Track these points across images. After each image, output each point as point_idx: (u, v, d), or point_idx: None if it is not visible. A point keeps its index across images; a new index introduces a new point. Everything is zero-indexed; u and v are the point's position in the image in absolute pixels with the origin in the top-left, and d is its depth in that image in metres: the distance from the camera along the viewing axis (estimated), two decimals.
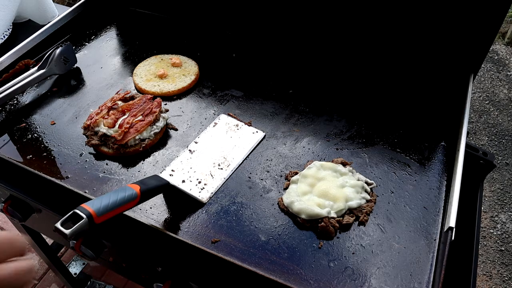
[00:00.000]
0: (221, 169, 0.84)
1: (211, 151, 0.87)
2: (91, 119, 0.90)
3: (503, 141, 2.61)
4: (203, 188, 0.80)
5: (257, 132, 0.92)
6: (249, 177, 0.84)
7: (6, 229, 1.88)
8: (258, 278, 0.66)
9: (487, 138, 2.64)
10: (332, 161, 0.85)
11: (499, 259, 2.03)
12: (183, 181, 0.81)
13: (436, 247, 0.71)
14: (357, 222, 0.75)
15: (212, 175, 0.82)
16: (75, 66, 1.15)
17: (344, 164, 0.84)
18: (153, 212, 0.78)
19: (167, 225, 0.75)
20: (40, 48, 1.16)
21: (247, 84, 1.08)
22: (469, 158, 0.91)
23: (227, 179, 0.83)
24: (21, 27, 1.49)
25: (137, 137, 0.88)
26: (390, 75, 1.10)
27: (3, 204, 0.91)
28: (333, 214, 0.75)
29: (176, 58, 1.13)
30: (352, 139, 0.93)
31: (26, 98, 1.05)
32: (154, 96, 1.00)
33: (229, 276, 0.72)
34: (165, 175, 0.81)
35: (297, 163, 0.87)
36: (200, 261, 0.74)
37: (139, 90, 1.06)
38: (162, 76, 1.08)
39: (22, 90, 1.03)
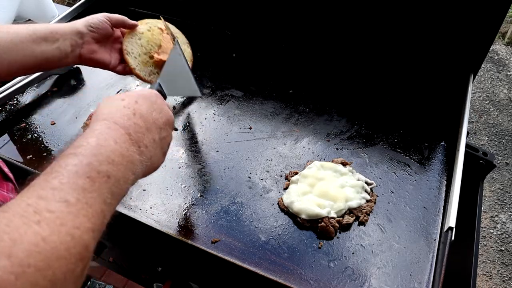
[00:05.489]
0: None
1: None
2: (91, 119, 0.89)
3: (503, 141, 2.61)
4: None
5: None
6: (249, 177, 0.84)
7: None
8: (258, 278, 0.66)
9: (487, 138, 2.64)
10: (332, 161, 0.85)
11: (499, 259, 2.03)
12: None
13: (436, 247, 0.71)
14: (357, 222, 0.75)
15: None
16: (75, 66, 1.15)
17: (344, 164, 0.84)
18: (153, 212, 0.78)
19: (167, 225, 0.75)
20: None
21: (247, 84, 1.08)
22: (469, 158, 0.91)
23: None
24: None
25: None
26: (390, 75, 1.10)
27: None
28: (333, 214, 0.75)
29: (162, 23, 0.92)
30: (352, 139, 0.93)
31: (26, 98, 1.05)
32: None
33: (229, 276, 0.72)
34: None
35: (297, 163, 0.87)
36: (200, 261, 0.74)
37: (136, 75, 0.87)
38: (158, 63, 0.88)
39: (22, 90, 1.03)
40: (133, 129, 0.51)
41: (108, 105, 0.55)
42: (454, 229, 0.68)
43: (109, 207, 0.44)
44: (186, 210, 0.78)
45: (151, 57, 0.88)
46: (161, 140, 0.57)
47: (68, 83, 1.10)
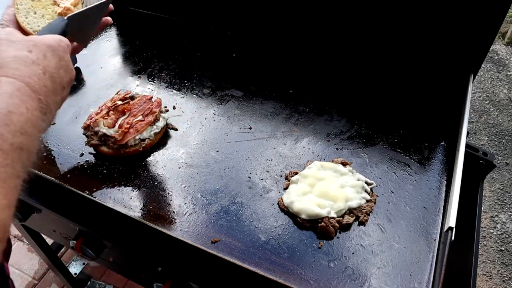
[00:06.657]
0: None
1: None
2: (91, 119, 0.90)
3: (503, 141, 2.61)
4: None
5: None
6: (249, 177, 0.84)
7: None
8: (258, 278, 0.66)
9: (487, 138, 2.64)
10: (332, 161, 0.85)
11: (499, 259, 2.03)
12: None
13: (436, 247, 0.71)
14: (357, 222, 0.75)
15: None
16: (75, 66, 1.15)
17: (344, 164, 0.84)
18: (153, 212, 0.78)
19: (167, 225, 0.75)
20: None
21: (247, 84, 1.08)
22: (469, 158, 0.91)
23: None
24: None
25: (137, 137, 0.88)
26: (390, 75, 1.10)
27: None
28: (333, 214, 0.75)
29: None
30: (352, 139, 0.93)
31: None
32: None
33: (229, 276, 0.72)
34: None
35: (297, 163, 0.87)
36: (200, 261, 0.74)
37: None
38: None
39: None
40: (44, 93, 0.47)
41: (12, 56, 0.47)
42: (454, 229, 0.68)
43: (21, 181, 0.41)
44: (186, 210, 0.78)
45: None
46: (62, 100, 0.53)
47: None
